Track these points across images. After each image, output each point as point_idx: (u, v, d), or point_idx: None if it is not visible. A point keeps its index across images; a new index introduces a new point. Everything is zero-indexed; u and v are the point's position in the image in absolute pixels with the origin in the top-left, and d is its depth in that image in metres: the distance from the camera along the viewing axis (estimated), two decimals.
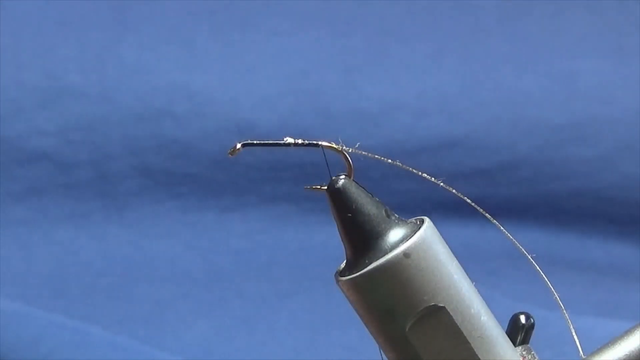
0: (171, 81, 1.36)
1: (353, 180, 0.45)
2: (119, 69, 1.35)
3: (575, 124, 1.37)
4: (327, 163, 0.45)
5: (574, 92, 1.38)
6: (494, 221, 0.45)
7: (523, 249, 0.45)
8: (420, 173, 0.46)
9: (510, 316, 0.49)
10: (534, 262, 0.45)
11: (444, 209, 1.13)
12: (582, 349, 0.47)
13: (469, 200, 0.46)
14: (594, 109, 1.37)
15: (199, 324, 1.14)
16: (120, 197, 1.34)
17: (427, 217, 0.45)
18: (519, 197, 1.37)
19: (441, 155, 1.37)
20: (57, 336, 1.05)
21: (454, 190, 0.46)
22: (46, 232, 1.31)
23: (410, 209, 1.17)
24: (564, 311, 0.43)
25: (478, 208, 0.45)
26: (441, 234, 0.45)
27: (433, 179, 0.46)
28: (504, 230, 0.45)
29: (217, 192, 1.32)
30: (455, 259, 0.45)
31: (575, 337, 0.44)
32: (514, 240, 0.46)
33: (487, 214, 0.45)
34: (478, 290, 0.45)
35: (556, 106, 1.38)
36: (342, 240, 0.45)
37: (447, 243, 0.45)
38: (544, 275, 0.44)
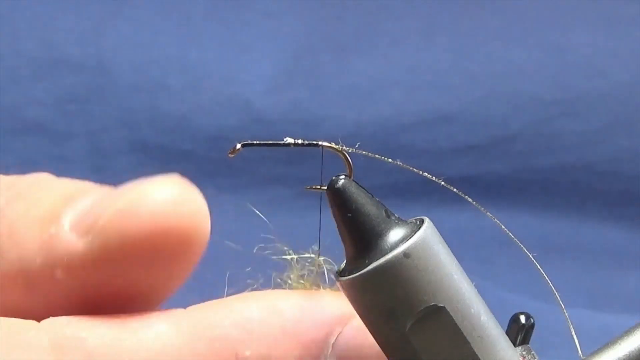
0: (167, 55, 1.35)
1: (353, 180, 0.45)
2: (116, 41, 1.35)
3: (567, 98, 1.37)
4: (322, 162, 0.45)
5: (566, 66, 1.38)
6: (496, 220, 0.45)
7: (524, 248, 0.45)
8: (421, 172, 0.46)
9: (506, 308, 0.49)
10: (534, 260, 0.45)
11: (436, 194, 1.13)
12: (577, 343, 0.47)
13: (469, 199, 0.45)
14: (586, 82, 1.37)
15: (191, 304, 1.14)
16: (114, 172, 1.33)
17: (420, 199, 0.45)
18: (512, 172, 1.37)
19: (434, 130, 1.36)
20: None
21: (454, 190, 0.45)
22: None
23: (403, 193, 1.17)
24: (564, 311, 0.43)
25: (479, 206, 0.45)
26: (435, 219, 0.45)
27: (434, 177, 0.46)
28: (503, 228, 0.45)
29: (211, 171, 1.32)
30: (455, 258, 0.45)
31: (574, 337, 0.44)
32: (512, 236, 0.46)
33: (488, 213, 0.45)
34: (472, 280, 0.45)
35: (548, 80, 1.38)
36: (342, 240, 0.45)
37: (440, 229, 0.45)
38: (544, 275, 0.44)
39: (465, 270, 0.45)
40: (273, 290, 0.46)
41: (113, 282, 0.44)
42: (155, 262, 0.43)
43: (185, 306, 0.46)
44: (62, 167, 1.33)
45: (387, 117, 1.36)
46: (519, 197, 1.35)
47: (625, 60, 1.38)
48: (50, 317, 0.43)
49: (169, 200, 0.43)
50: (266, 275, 0.53)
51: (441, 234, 0.45)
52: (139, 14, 1.35)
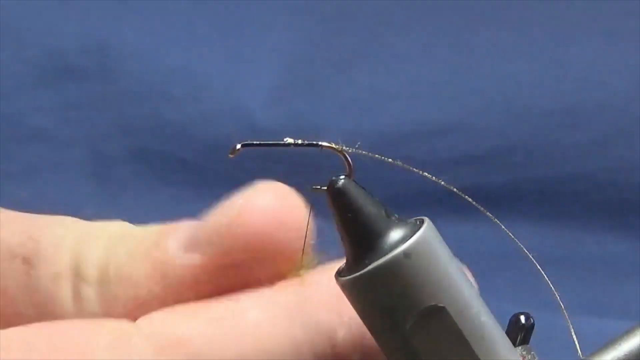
0: (169, 65, 1.36)
1: (353, 181, 0.45)
2: (119, 50, 1.35)
3: (567, 109, 1.37)
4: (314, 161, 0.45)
5: (565, 77, 1.38)
6: (498, 222, 0.45)
7: (524, 248, 0.45)
8: (421, 172, 0.46)
9: (507, 316, 0.49)
10: (535, 261, 0.45)
11: (435, 204, 1.13)
12: (577, 343, 0.47)
13: (471, 200, 0.46)
14: (585, 93, 1.37)
15: None
16: (114, 181, 1.34)
17: (420, 211, 0.45)
18: (512, 183, 1.37)
19: (433, 141, 1.37)
20: None
21: (454, 189, 0.46)
22: (40, 213, 1.30)
23: (403, 203, 1.17)
24: (564, 311, 0.43)
25: (484, 210, 0.45)
26: (436, 229, 0.45)
27: (434, 178, 0.46)
28: (508, 232, 0.45)
29: (211, 181, 1.32)
30: (455, 259, 0.45)
31: (574, 337, 0.44)
32: (517, 241, 0.46)
33: (491, 215, 0.45)
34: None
35: (548, 92, 1.38)
36: (341, 240, 0.45)
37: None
38: (546, 277, 0.44)
39: (465, 274, 0.45)
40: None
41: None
42: (257, 268, 0.44)
43: None
44: (64, 175, 1.33)
45: (387, 129, 1.37)
46: (519, 207, 1.35)
47: (623, 71, 1.38)
48: (145, 316, 0.43)
49: (271, 208, 0.44)
50: None
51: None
52: (143, 24, 1.36)
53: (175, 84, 1.34)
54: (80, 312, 0.45)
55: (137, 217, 1.42)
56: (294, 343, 0.44)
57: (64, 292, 0.46)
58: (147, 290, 0.45)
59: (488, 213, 0.45)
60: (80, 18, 1.35)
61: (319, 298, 0.45)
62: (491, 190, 1.36)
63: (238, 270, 0.45)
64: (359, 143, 0.45)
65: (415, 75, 1.38)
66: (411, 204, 1.17)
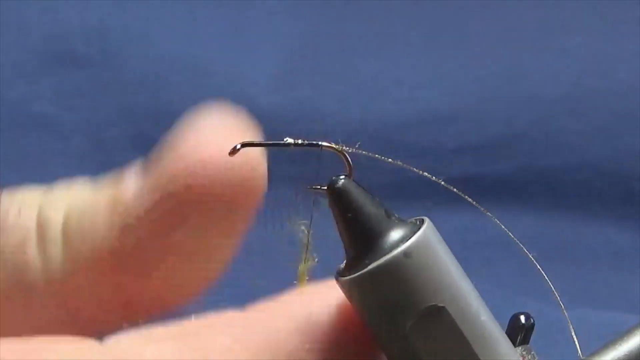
0: (171, 52, 1.35)
1: (353, 180, 0.45)
2: (121, 37, 1.35)
3: (571, 98, 1.37)
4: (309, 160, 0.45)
5: (569, 65, 1.37)
6: (496, 221, 0.45)
7: (524, 248, 0.45)
8: (421, 172, 0.46)
9: (506, 308, 0.49)
10: (534, 260, 0.45)
11: (436, 194, 1.13)
12: (577, 341, 0.47)
13: (470, 199, 0.45)
14: (589, 82, 1.37)
15: None
16: (117, 167, 1.33)
17: (420, 200, 0.45)
18: (515, 172, 1.36)
19: (437, 129, 1.36)
20: None
21: (454, 189, 0.46)
22: None
23: (403, 193, 1.17)
24: (564, 311, 0.43)
25: (481, 208, 0.45)
26: (435, 220, 0.45)
27: (434, 177, 0.46)
28: (505, 229, 0.45)
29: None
30: (455, 258, 0.45)
31: (574, 337, 0.44)
32: (513, 237, 0.46)
33: (488, 213, 0.45)
34: (473, 281, 0.45)
35: (552, 80, 1.37)
36: (341, 240, 0.45)
37: (440, 230, 0.45)
38: (544, 275, 0.44)
39: (465, 271, 0.45)
40: (319, 285, 0.46)
41: (171, 236, 0.44)
42: (215, 211, 0.44)
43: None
44: (66, 162, 1.33)
45: (391, 116, 1.36)
46: (522, 196, 1.35)
47: (626, 60, 1.38)
48: (113, 337, 0.43)
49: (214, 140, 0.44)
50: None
51: (441, 235, 0.45)
52: (144, 10, 1.36)
53: (177, 70, 1.34)
54: (49, 274, 0.45)
55: None
56: None
57: (32, 257, 0.46)
58: (106, 240, 0.45)
59: (489, 214, 0.44)
60: (81, 4, 1.35)
61: (291, 325, 0.44)
62: (495, 179, 1.35)
63: (192, 207, 0.45)
64: (358, 143, 0.45)
65: (419, 63, 1.38)
66: (412, 193, 1.17)
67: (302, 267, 0.47)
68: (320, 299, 0.45)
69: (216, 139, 0.45)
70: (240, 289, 0.57)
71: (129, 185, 0.46)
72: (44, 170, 1.32)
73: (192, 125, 0.45)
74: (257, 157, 0.45)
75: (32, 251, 0.47)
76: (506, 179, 1.36)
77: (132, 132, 1.34)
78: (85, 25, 1.35)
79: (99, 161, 1.34)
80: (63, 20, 1.35)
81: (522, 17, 1.39)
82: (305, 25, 1.38)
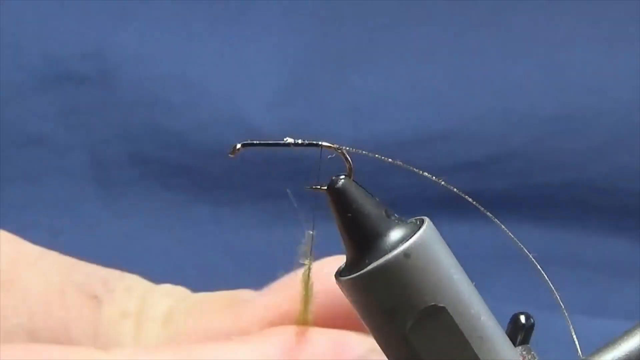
0: (168, 71, 1.36)
1: (353, 181, 0.45)
2: (118, 56, 1.35)
3: (566, 115, 1.37)
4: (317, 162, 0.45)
5: (564, 83, 1.38)
6: (497, 221, 0.45)
7: (526, 250, 0.45)
8: (421, 172, 0.46)
9: (507, 317, 0.49)
10: (535, 261, 0.45)
11: (436, 205, 1.13)
12: (577, 343, 0.47)
13: (471, 200, 0.46)
14: (585, 99, 1.37)
15: None
16: (114, 185, 1.34)
17: (420, 213, 0.46)
18: (511, 189, 1.37)
19: (433, 147, 1.37)
20: None
21: (455, 189, 0.46)
22: (40, 218, 1.31)
23: (401, 204, 1.17)
24: (564, 311, 0.43)
25: (483, 209, 0.45)
26: (436, 229, 0.45)
27: (434, 177, 0.46)
28: (507, 231, 0.45)
29: (210, 186, 1.32)
30: (455, 259, 0.45)
31: (574, 337, 0.44)
32: (516, 240, 0.46)
33: (489, 214, 0.45)
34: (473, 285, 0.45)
35: (547, 97, 1.38)
36: (342, 240, 0.45)
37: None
38: (545, 276, 0.44)
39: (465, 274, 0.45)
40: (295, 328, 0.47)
41: None
42: None
43: None
44: (64, 180, 1.33)
45: (386, 134, 1.37)
46: (519, 213, 1.35)
47: (623, 78, 1.38)
48: (119, 348, 0.44)
49: None
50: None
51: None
52: (142, 30, 1.36)
53: (174, 90, 1.35)
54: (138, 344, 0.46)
55: (136, 222, 1.42)
56: None
57: (128, 328, 0.47)
58: (219, 325, 0.47)
59: (488, 213, 0.45)
60: (79, 24, 1.35)
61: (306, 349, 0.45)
62: (490, 197, 1.36)
63: None
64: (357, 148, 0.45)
65: (414, 80, 1.38)
66: (411, 205, 1.17)
67: (306, 269, 0.47)
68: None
69: None
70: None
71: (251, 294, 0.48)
72: (42, 189, 1.33)
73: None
74: None
75: (130, 322, 0.47)
76: (502, 196, 1.36)
77: (129, 150, 1.34)
78: (82, 46, 1.35)
79: (96, 180, 1.34)
80: (61, 40, 1.35)
81: (518, 35, 1.39)
82: (300, 44, 1.39)
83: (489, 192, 1.36)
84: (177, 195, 1.33)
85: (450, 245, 0.46)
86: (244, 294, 0.50)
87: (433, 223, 0.45)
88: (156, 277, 1.25)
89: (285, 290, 0.47)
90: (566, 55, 1.38)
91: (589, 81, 1.37)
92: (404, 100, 1.38)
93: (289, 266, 0.51)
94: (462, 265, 0.46)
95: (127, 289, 0.49)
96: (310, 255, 0.47)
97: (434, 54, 1.39)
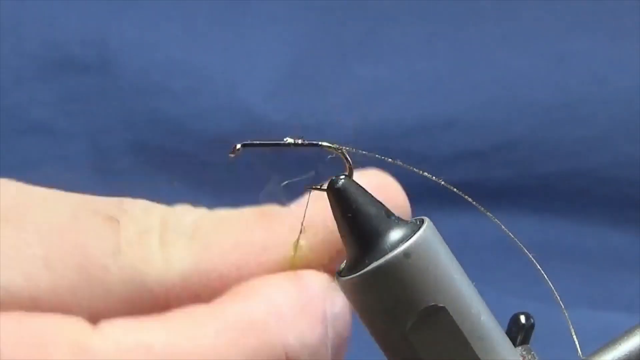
0: (170, 58, 1.35)
1: (353, 181, 0.45)
2: (120, 43, 1.35)
3: (569, 104, 1.37)
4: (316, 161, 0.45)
5: (567, 72, 1.38)
6: (496, 220, 0.45)
7: (524, 248, 0.45)
8: (421, 172, 0.46)
9: (506, 311, 0.49)
10: (534, 260, 0.45)
11: (437, 198, 1.13)
12: (577, 343, 0.47)
13: (469, 199, 0.45)
14: (587, 88, 1.37)
15: None
16: (115, 173, 1.34)
17: (420, 205, 0.45)
18: (513, 178, 1.37)
19: (435, 136, 1.36)
20: None
21: (454, 189, 0.46)
22: None
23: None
24: (564, 311, 0.43)
25: (481, 208, 0.45)
26: (434, 223, 0.45)
27: (434, 177, 0.46)
28: (505, 229, 0.45)
29: (211, 175, 1.32)
30: (455, 259, 0.45)
31: (574, 337, 0.44)
32: (513, 237, 0.46)
33: (488, 213, 0.45)
34: (472, 283, 0.45)
35: (550, 86, 1.37)
36: (342, 240, 0.45)
37: (440, 233, 0.45)
38: (544, 275, 0.44)
39: (465, 274, 0.45)
40: (285, 273, 0.46)
41: None
42: None
43: None
44: (64, 167, 1.33)
45: (389, 123, 1.37)
46: (521, 202, 1.35)
47: (625, 67, 1.38)
48: (106, 321, 0.43)
49: None
50: None
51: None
52: (143, 17, 1.36)
53: (175, 77, 1.34)
54: (167, 262, 0.46)
55: None
56: (249, 356, 0.44)
57: (152, 244, 0.46)
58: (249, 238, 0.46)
59: (489, 213, 0.44)
60: (80, 11, 1.35)
61: (278, 311, 0.44)
62: (493, 185, 1.36)
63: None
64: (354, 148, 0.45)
65: (417, 69, 1.38)
66: (412, 198, 1.17)
67: (293, 256, 0.47)
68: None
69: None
70: None
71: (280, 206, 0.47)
72: (43, 177, 1.32)
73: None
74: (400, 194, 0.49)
75: (154, 238, 0.47)
76: (504, 185, 1.36)
77: (130, 138, 1.34)
78: (83, 32, 1.35)
79: (97, 167, 1.34)
80: (62, 27, 1.35)
81: (520, 24, 1.39)
82: (302, 33, 1.39)
83: (491, 181, 1.36)
84: (178, 183, 1.33)
85: (453, 237, 0.46)
86: (273, 208, 0.49)
87: (436, 215, 0.45)
88: None
89: (315, 202, 0.46)
90: (568, 45, 1.38)
91: (591, 70, 1.37)
92: (406, 89, 1.38)
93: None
94: (465, 258, 0.46)
95: (144, 209, 0.48)
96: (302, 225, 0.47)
97: (436, 43, 1.39)
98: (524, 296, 1.02)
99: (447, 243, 0.45)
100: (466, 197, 0.45)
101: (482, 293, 0.45)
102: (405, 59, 1.39)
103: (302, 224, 0.46)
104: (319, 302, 0.44)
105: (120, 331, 0.43)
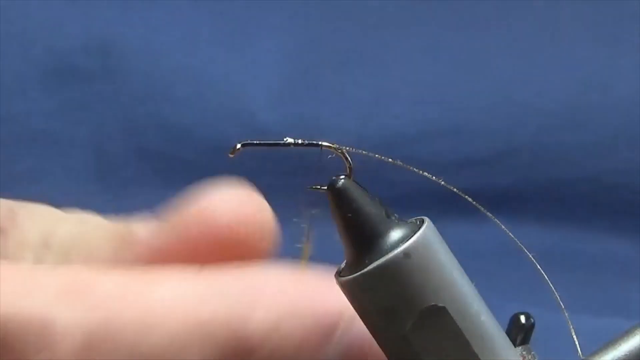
0: (173, 66, 1.36)
1: (353, 180, 0.45)
2: (122, 51, 1.35)
3: (571, 111, 1.37)
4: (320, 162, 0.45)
5: (569, 78, 1.38)
6: (496, 221, 0.45)
7: (525, 249, 0.45)
8: (421, 172, 0.46)
9: (508, 315, 0.49)
10: (535, 261, 0.45)
11: (440, 202, 1.13)
12: (578, 343, 0.47)
13: (471, 200, 0.46)
14: (590, 95, 1.37)
15: None
16: (119, 180, 1.34)
17: (422, 211, 0.45)
18: (516, 185, 1.37)
19: (437, 143, 1.37)
20: None
21: (455, 189, 0.46)
22: None
23: (405, 202, 1.17)
24: (564, 311, 0.43)
25: (482, 209, 0.45)
26: (437, 229, 0.45)
27: (434, 177, 0.46)
28: (505, 229, 0.45)
29: (214, 180, 1.32)
30: (455, 258, 0.45)
31: (574, 337, 0.44)
32: (515, 239, 0.46)
33: (487, 213, 0.45)
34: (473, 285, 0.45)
35: (552, 93, 1.38)
36: (341, 240, 0.45)
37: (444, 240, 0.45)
38: (545, 276, 0.44)
39: (465, 273, 0.45)
40: (289, 267, 0.47)
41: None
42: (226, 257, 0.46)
43: None
44: (68, 176, 1.33)
45: (390, 130, 1.37)
46: (523, 209, 1.35)
47: (628, 73, 1.38)
48: (68, 264, 0.44)
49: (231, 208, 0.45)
50: None
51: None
52: (146, 24, 1.36)
53: (178, 84, 1.35)
54: None
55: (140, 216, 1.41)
56: (202, 326, 0.43)
57: (26, 257, 0.47)
58: (102, 256, 0.46)
59: (489, 214, 0.45)
60: (84, 18, 1.35)
61: (242, 279, 0.45)
62: (495, 192, 1.36)
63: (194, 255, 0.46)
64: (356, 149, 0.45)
65: (418, 76, 1.38)
66: (412, 203, 1.17)
67: (303, 261, 0.47)
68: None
69: (228, 201, 0.48)
70: None
71: (142, 225, 0.47)
72: (48, 184, 1.33)
73: (205, 192, 0.47)
74: (264, 208, 0.47)
75: (29, 252, 0.47)
76: (506, 193, 1.36)
77: (134, 145, 1.34)
78: (87, 39, 1.35)
79: (101, 175, 1.34)
80: (65, 34, 1.35)
81: (522, 31, 1.39)
82: (304, 39, 1.39)
83: (493, 188, 1.36)
84: (181, 190, 1.33)
85: (454, 242, 0.46)
86: (136, 226, 0.49)
87: (437, 220, 0.45)
88: None
89: (171, 227, 0.47)
90: (570, 52, 1.38)
91: (593, 77, 1.37)
92: (408, 96, 1.38)
93: (295, 261, 0.51)
94: (468, 262, 0.46)
95: (31, 218, 0.49)
96: (308, 239, 0.47)
97: (438, 49, 1.39)
98: (529, 302, 1.02)
99: (452, 253, 0.45)
100: (466, 197, 0.45)
101: (484, 299, 0.45)
102: (407, 66, 1.39)
103: (307, 230, 0.46)
104: (320, 308, 0.45)
105: (74, 272, 0.43)
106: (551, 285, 0.43)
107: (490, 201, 1.37)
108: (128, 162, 1.34)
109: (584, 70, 1.38)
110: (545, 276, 0.45)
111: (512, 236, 0.45)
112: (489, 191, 1.35)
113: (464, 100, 1.37)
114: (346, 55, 1.40)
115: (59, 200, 1.34)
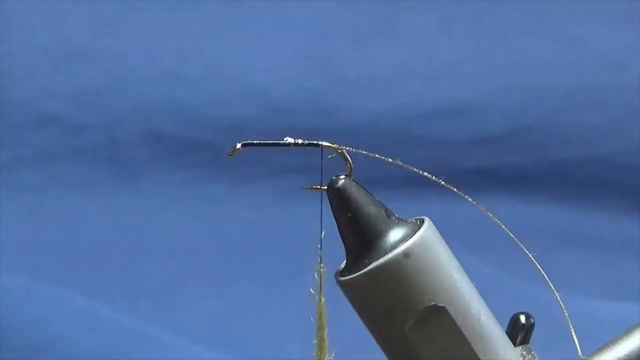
0: (182, 45, 1.35)
1: (353, 180, 0.45)
2: (131, 32, 1.35)
3: (585, 90, 1.36)
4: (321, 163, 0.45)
5: (584, 57, 1.37)
6: (496, 220, 0.45)
7: (523, 247, 0.45)
8: (421, 172, 0.46)
9: (520, 297, 0.49)
10: (533, 259, 0.45)
11: (439, 187, 1.13)
12: (578, 343, 0.47)
13: (469, 199, 0.45)
14: (604, 74, 1.36)
15: (207, 302, 1.15)
16: (130, 164, 1.34)
17: (434, 193, 0.45)
18: (529, 164, 1.36)
19: (451, 120, 1.36)
20: (65, 317, 1.05)
21: (454, 189, 0.45)
22: (55, 199, 1.31)
23: (412, 186, 1.16)
24: (564, 311, 0.43)
25: (481, 207, 0.45)
26: (446, 210, 0.45)
27: (434, 177, 0.46)
28: (503, 228, 0.45)
29: (227, 162, 1.32)
30: (455, 258, 0.45)
31: (574, 337, 0.44)
32: (513, 236, 0.46)
33: (488, 213, 0.45)
34: (486, 270, 0.45)
35: (566, 72, 1.37)
36: (342, 240, 0.45)
37: (452, 220, 0.45)
38: (545, 275, 0.44)
39: (478, 260, 0.45)
40: None
41: None
42: None
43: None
44: (79, 159, 1.33)
45: (404, 107, 1.36)
46: (536, 188, 1.35)
47: None
48: None
49: None
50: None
51: (453, 224, 0.44)
52: (153, 5, 1.36)
53: (187, 65, 1.34)
54: None
55: (154, 198, 1.42)
56: None
57: None
58: None
59: (488, 213, 0.44)
60: (90, 2, 1.35)
61: None
62: (508, 171, 1.35)
63: None
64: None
65: (432, 54, 1.38)
66: (422, 184, 1.17)
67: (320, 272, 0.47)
68: None
69: None
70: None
71: None
72: (58, 168, 1.33)
73: None
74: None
75: None
76: (520, 171, 1.35)
77: (144, 128, 1.34)
78: (94, 23, 1.35)
79: (112, 158, 1.34)
80: (72, 18, 1.35)
81: (537, 9, 1.38)
82: (316, 17, 1.38)
83: (507, 166, 1.35)
84: (193, 172, 1.33)
85: (466, 223, 0.46)
86: None
87: (447, 201, 0.45)
88: (173, 257, 1.25)
89: None
90: (585, 30, 1.37)
91: (608, 56, 1.36)
92: (422, 73, 1.37)
93: (304, 242, 0.51)
94: (478, 244, 0.46)
95: None
96: (321, 262, 0.47)
97: (453, 28, 1.38)
98: (538, 283, 1.02)
99: (459, 229, 0.45)
100: (466, 197, 0.45)
101: (496, 279, 0.45)
102: (422, 42, 1.38)
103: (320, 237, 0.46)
104: None
105: None
106: (551, 285, 0.43)
107: (504, 179, 1.37)
108: (139, 144, 1.34)
109: (599, 49, 1.36)
110: (545, 275, 0.44)
111: (508, 232, 0.45)
112: (502, 169, 1.35)
113: (478, 78, 1.37)
114: (359, 32, 1.39)
115: (70, 184, 1.35)
